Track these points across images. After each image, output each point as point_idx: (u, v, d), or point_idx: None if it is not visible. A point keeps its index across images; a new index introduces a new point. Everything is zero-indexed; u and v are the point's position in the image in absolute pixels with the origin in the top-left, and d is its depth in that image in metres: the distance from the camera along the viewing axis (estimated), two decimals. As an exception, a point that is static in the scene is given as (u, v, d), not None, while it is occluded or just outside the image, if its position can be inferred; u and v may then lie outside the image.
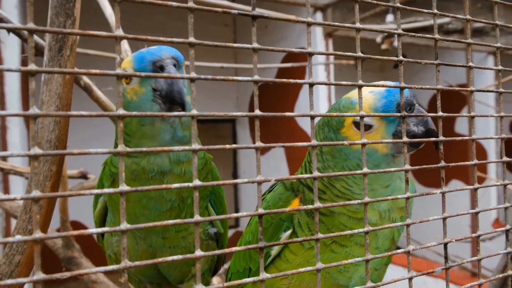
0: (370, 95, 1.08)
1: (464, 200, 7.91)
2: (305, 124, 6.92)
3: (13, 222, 4.91)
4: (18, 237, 0.47)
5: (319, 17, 6.30)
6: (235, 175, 9.21)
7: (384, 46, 5.60)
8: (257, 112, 0.61)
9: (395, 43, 5.73)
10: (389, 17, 5.89)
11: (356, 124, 1.09)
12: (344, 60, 6.19)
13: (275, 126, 7.43)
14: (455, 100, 7.65)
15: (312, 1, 6.60)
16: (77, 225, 6.70)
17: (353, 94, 1.14)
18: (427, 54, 8.57)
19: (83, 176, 3.16)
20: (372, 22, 6.19)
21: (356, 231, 0.66)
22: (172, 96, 1.10)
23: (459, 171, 7.92)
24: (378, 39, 5.77)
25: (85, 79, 1.81)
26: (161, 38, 0.54)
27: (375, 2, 0.72)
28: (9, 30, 0.81)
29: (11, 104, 5.07)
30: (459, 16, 0.82)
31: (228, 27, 8.44)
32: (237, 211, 9.15)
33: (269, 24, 7.26)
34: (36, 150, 0.48)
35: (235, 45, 0.60)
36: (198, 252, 0.54)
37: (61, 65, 1.01)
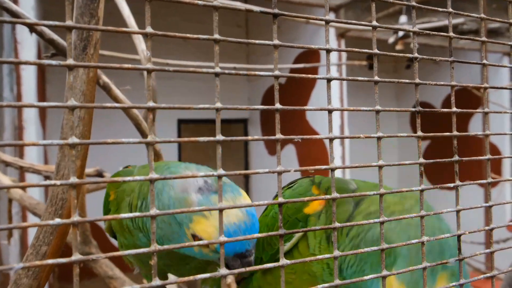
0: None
1: (479, 202, 7.83)
2: (317, 125, 6.92)
3: (30, 220, 5.01)
4: (58, 220, 0.50)
5: (332, 17, 6.31)
6: (246, 175, 9.28)
7: (398, 47, 5.58)
8: (277, 105, 0.64)
9: (411, 44, 5.71)
10: (403, 18, 5.86)
11: None
12: (357, 61, 6.19)
13: (288, 126, 7.45)
14: (471, 104, 7.61)
15: (325, 2, 6.58)
16: (93, 224, 6.79)
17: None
18: (441, 55, 8.51)
19: (99, 174, 3.22)
20: (385, 23, 6.17)
21: (372, 221, 0.69)
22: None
23: (473, 174, 7.86)
24: (391, 39, 5.75)
25: (104, 78, 1.86)
26: (189, 35, 0.57)
27: (391, 1, 0.74)
28: (49, 26, 0.87)
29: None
30: (474, 15, 0.84)
31: (241, 28, 8.49)
32: (248, 211, 9.21)
33: (282, 25, 7.28)
34: (74, 139, 0.52)
35: (257, 42, 0.63)
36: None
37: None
